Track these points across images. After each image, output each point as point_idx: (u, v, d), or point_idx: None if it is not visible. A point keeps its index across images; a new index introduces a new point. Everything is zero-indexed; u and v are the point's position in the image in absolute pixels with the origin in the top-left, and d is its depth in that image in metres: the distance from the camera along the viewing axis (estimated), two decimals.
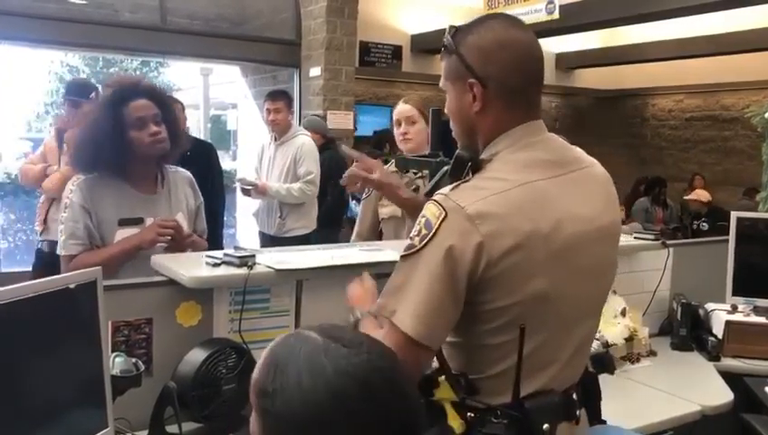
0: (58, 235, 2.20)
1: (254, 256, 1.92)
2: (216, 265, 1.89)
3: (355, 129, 7.83)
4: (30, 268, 4.29)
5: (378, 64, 9.23)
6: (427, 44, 9.24)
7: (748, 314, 2.71)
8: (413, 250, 1.25)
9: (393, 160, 2.78)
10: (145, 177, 2.29)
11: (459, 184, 1.29)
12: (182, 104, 4.39)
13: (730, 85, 10.20)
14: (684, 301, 2.74)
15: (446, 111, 1.45)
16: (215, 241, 3.36)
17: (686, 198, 8.48)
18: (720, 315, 2.69)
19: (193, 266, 1.89)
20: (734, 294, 2.79)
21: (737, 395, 2.29)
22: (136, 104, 2.20)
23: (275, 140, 4.80)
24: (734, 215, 2.87)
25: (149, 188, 2.30)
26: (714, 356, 2.60)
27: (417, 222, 1.27)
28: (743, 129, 10.15)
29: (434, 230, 1.22)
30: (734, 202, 7.71)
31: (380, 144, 7.16)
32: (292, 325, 2.02)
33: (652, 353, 2.58)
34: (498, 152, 1.32)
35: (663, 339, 2.78)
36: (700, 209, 8.10)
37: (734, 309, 2.74)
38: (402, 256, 1.28)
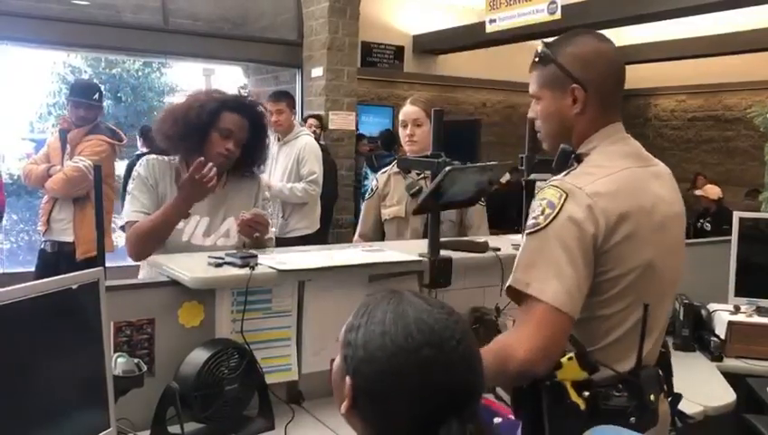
0: (124, 206, 2.28)
1: (255, 256, 1.93)
2: (218, 265, 1.90)
3: (357, 129, 7.85)
4: (32, 269, 4.30)
5: (379, 65, 9.24)
6: (428, 45, 9.24)
7: (751, 315, 2.70)
8: (539, 227, 1.37)
9: (395, 161, 2.79)
10: None
11: (569, 172, 1.45)
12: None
13: (732, 85, 10.20)
14: (686, 301, 2.74)
15: (531, 115, 1.59)
16: None
17: (696, 193, 8.35)
18: (722, 316, 2.69)
19: (195, 267, 1.90)
20: (737, 294, 2.78)
21: (739, 396, 2.28)
22: (234, 117, 2.27)
23: (278, 140, 4.80)
24: (736, 215, 2.87)
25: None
26: (716, 357, 2.59)
27: (538, 205, 1.40)
28: (745, 129, 10.14)
29: (558, 208, 1.36)
30: (737, 202, 7.68)
31: (390, 145, 7.17)
32: (294, 326, 2.03)
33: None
34: (595, 147, 1.49)
35: (665, 339, 2.77)
36: (709, 206, 7.93)
37: (737, 310, 2.73)
38: (528, 234, 1.40)
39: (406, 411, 0.96)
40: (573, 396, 1.36)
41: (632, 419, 1.35)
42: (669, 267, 1.48)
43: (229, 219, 2.32)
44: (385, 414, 0.98)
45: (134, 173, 2.31)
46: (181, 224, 2.23)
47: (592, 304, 1.40)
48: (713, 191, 8.00)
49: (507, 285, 1.41)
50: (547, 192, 1.40)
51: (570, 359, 1.37)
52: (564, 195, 1.37)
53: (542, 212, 1.38)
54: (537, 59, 1.54)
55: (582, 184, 1.38)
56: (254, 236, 2.21)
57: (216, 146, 2.25)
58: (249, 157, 2.37)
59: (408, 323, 0.98)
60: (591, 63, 1.48)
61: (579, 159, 1.49)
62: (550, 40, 1.54)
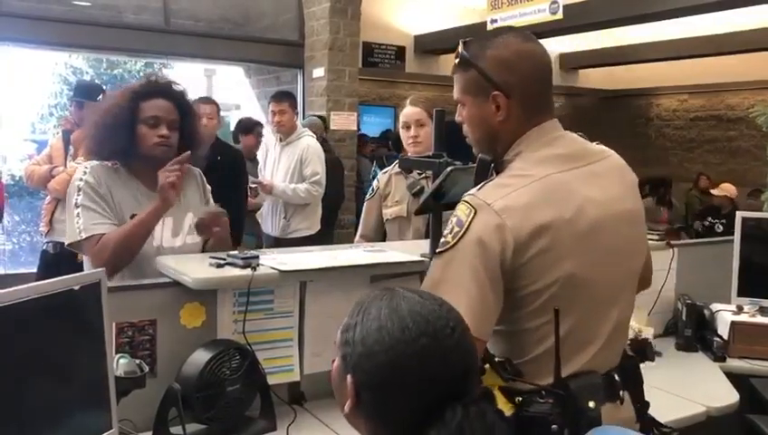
0: (74, 221, 2.10)
1: (257, 257, 1.92)
2: (219, 266, 1.90)
3: (358, 129, 7.84)
4: (34, 270, 4.30)
5: (381, 65, 9.25)
6: (430, 45, 9.25)
7: (753, 315, 2.70)
8: (447, 247, 1.34)
9: (397, 161, 2.78)
10: (152, 176, 2.21)
11: (484, 184, 1.39)
12: (218, 106, 4.42)
13: (735, 85, 10.19)
14: (689, 301, 2.74)
15: (458, 119, 1.51)
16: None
17: (712, 192, 8.19)
18: (725, 316, 2.68)
19: (197, 268, 1.90)
20: (740, 294, 2.78)
21: (743, 396, 2.28)
22: (155, 103, 2.17)
23: (280, 141, 4.80)
24: (739, 215, 2.87)
25: (157, 186, 2.24)
26: (719, 357, 2.59)
27: (450, 222, 1.36)
28: (747, 129, 10.13)
29: (465, 226, 1.32)
30: (739, 202, 7.66)
31: (399, 146, 7.15)
32: (295, 326, 2.02)
33: (657, 354, 2.57)
34: (520, 153, 1.42)
35: (668, 339, 2.77)
36: (722, 205, 7.71)
37: (740, 310, 2.73)
38: (437, 253, 1.37)
39: (408, 402, 0.98)
40: (501, 402, 1.34)
41: (554, 426, 1.32)
42: (602, 276, 1.39)
43: (189, 214, 2.26)
44: (388, 408, 1.00)
45: (78, 184, 2.13)
46: None
47: (516, 318, 1.37)
48: (731, 190, 7.74)
49: None
50: (459, 208, 1.36)
51: (490, 365, 1.37)
52: (473, 212, 1.32)
53: (451, 231, 1.34)
54: (457, 61, 1.45)
55: (493, 199, 1.32)
56: (214, 233, 2.18)
57: (148, 138, 2.14)
58: (187, 139, 2.25)
59: (403, 315, 1.00)
60: (513, 67, 1.39)
61: (500, 169, 1.43)
62: (470, 40, 1.46)
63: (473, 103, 1.45)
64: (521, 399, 1.35)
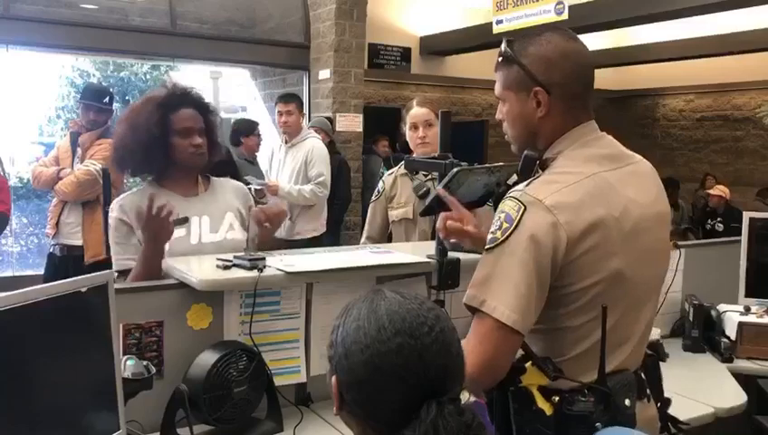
0: (113, 256, 2.20)
1: (264, 258, 1.93)
2: (226, 267, 1.90)
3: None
4: (42, 271, 4.32)
5: (387, 66, 9.23)
6: (435, 46, 9.23)
7: (761, 316, 2.69)
8: (497, 242, 1.34)
9: (403, 162, 2.78)
10: (184, 183, 2.29)
11: (532, 181, 1.39)
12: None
13: (741, 85, 10.15)
14: (696, 302, 2.73)
15: (499, 116, 1.53)
16: None
17: (708, 191, 8.30)
18: (733, 317, 2.67)
19: (203, 269, 1.90)
20: (747, 295, 2.77)
21: (750, 397, 2.27)
22: (183, 113, 2.22)
23: (285, 142, 4.81)
24: (746, 215, 2.85)
25: (190, 191, 2.29)
26: (726, 358, 2.58)
27: (497, 218, 1.36)
28: (754, 128, 10.09)
29: (515, 222, 1.32)
30: (746, 202, 7.64)
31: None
32: (302, 328, 2.03)
33: (664, 355, 2.56)
34: (561, 151, 1.43)
35: (675, 340, 2.76)
36: (717, 207, 7.91)
37: (747, 310, 2.71)
38: (486, 250, 1.36)
39: (387, 401, 1.00)
40: (540, 402, 1.35)
41: (597, 423, 1.32)
42: (643, 274, 1.42)
43: (228, 214, 2.31)
44: (369, 407, 1.02)
45: (110, 222, 2.23)
46: (183, 231, 2.19)
47: (558, 316, 1.37)
48: (725, 190, 7.98)
49: (463, 301, 1.38)
50: (506, 204, 1.36)
51: (532, 364, 1.36)
52: (523, 208, 1.32)
53: (500, 227, 1.34)
54: (501, 58, 1.47)
55: (543, 195, 1.33)
56: (265, 227, 2.22)
57: (184, 148, 2.21)
58: (211, 143, 2.31)
59: (380, 315, 1.02)
60: (556, 65, 1.41)
61: (544, 166, 1.44)
62: (514, 38, 1.48)
63: (514, 99, 1.46)
64: (559, 398, 1.35)
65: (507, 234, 1.32)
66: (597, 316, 1.35)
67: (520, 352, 1.38)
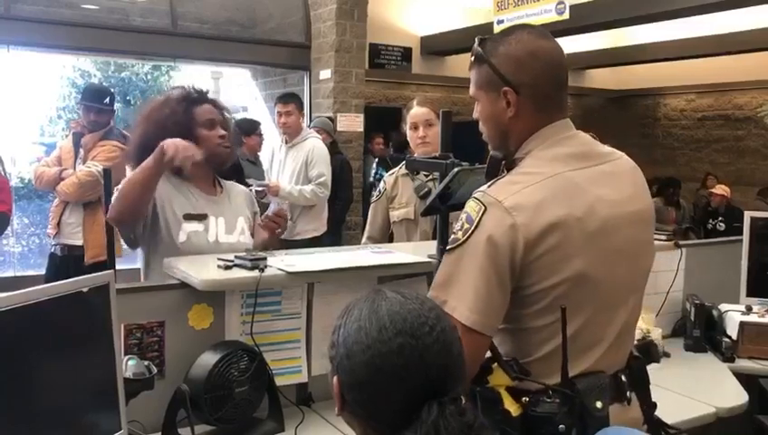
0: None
1: (265, 258, 1.93)
2: (227, 267, 1.90)
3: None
4: (43, 272, 4.32)
5: (388, 66, 9.24)
6: (436, 46, 9.23)
7: (763, 315, 2.68)
8: (457, 243, 1.34)
9: (404, 162, 2.77)
10: (205, 180, 2.33)
11: (495, 181, 1.39)
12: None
13: (743, 84, 10.14)
14: (697, 302, 2.72)
15: (475, 116, 1.52)
16: None
17: (711, 190, 8.29)
18: (734, 316, 2.67)
19: (205, 269, 1.90)
20: (749, 294, 2.77)
21: (752, 397, 2.27)
22: (206, 107, 2.30)
23: (286, 142, 4.81)
24: (747, 215, 2.85)
25: (210, 189, 2.34)
26: (728, 357, 2.58)
27: (459, 219, 1.36)
28: (755, 128, 10.09)
29: (475, 223, 1.32)
30: (747, 202, 7.64)
31: (403, 147, 7.14)
32: (303, 328, 2.03)
33: (666, 355, 2.56)
34: (530, 151, 1.42)
35: (676, 340, 2.76)
36: (718, 206, 7.92)
37: (749, 310, 2.71)
38: (447, 250, 1.37)
39: (388, 401, 0.99)
40: (507, 403, 1.35)
41: (561, 426, 1.31)
42: (614, 274, 1.39)
43: (240, 218, 2.35)
44: (370, 407, 1.02)
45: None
46: (202, 226, 2.23)
47: (522, 316, 1.36)
48: (726, 189, 8.01)
49: None
50: (469, 205, 1.36)
51: (498, 365, 1.36)
52: (483, 208, 1.32)
53: (461, 227, 1.34)
54: (473, 58, 1.47)
55: (503, 196, 1.32)
56: (276, 232, 2.29)
57: (210, 139, 2.26)
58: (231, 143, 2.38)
59: (382, 315, 1.02)
60: (525, 64, 1.40)
61: (510, 166, 1.43)
62: (486, 37, 1.48)
63: (486, 99, 1.46)
64: (527, 399, 1.35)
65: (467, 235, 1.32)
66: (561, 318, 1.33)
67: (488, 353, 1.38)
